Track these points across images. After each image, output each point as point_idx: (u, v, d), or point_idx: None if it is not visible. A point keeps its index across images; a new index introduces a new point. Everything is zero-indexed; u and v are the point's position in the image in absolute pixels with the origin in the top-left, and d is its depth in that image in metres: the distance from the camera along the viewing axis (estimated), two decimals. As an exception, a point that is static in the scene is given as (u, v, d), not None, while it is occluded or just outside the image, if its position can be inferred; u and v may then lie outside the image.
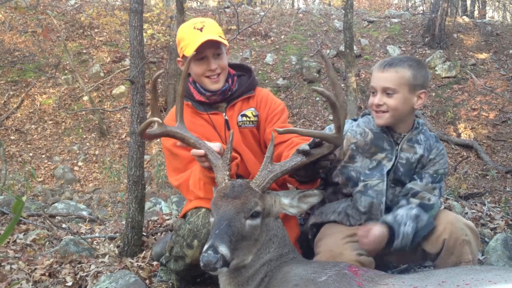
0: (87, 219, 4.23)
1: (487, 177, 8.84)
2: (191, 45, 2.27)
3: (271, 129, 2.34)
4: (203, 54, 2.32)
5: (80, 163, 9.87)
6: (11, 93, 11.18)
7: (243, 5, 15.24)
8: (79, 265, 2.78)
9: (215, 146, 1.97)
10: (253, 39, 13.54)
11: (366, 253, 2.04)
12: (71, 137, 10.54)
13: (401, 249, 2.05)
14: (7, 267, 2.75)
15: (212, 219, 1.79)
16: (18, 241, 3.27)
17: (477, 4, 20.93)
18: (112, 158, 9.83)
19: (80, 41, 12.64)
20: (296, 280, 1.71)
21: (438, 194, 2.16)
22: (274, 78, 12.01)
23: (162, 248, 2.74)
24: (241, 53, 12.73)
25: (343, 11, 10.37)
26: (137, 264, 2.81)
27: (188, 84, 2.46)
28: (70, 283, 2.57)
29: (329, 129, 2.08)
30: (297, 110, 11.11)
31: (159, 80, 11.37)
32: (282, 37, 13.73)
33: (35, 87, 11.41)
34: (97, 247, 3.16)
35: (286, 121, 2.51)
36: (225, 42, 2.34)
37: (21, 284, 2.50)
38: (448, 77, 12.12)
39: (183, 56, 2.36)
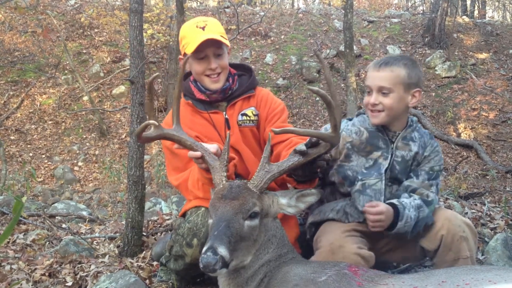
0: (87, 219, 4.24)
1: (487, 177, 8.84)
2: (192, 44, 2.28)
3: (271, 129, 2.34)
4: (204, 53, 2.32)
5: (80, 163, 9.87)
6: (11, 93, 11.18)
7: (243, 5, 15.25)
8: (79, 265, 2.78)
9: (212, 147, 1.97)
10: (253, 39, 13.54)
11: (366, 247, 2.05)
12: (71, 137, 10.54)
13: (402, 234, 2.09)
14: (7, 267, 2.75)
15: (210, 221, 1.79)
16: (18, 241, 3.27)
17: (477, 4, 20.93)
18: (112, 158, 9.83)
19: (80, 41, 12.64)
20: (296, 280, 1.71)
21: (435, 190, 2.19)
22: (274, 78, 12.01)
23: (162, 248, 2.74)
24: (241, 53, 12.73)
25: (343, 11, 10.38)
26: (137, 264, 2.81)
27: (189, 82, 2.47)
28: (70, 283, 2.57)
29: (325, 129, 2.10)
30: (297, 110, 11.11)
31: (159, 80, 11.46)
32: (282, 37, 13.73)
33: (35, 87, 11.41)
34: (97, 247, 3.16)
35: (286, 121, 2.51)
36: (227, 42, 2.34)
37: (21, 284, 2.50)
38: (448, 77, 12.13)
39: (184, 54, 2.37)
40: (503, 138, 10.49)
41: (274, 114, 2.45)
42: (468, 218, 3.44)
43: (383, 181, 2.18)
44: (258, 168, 1.86)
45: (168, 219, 3.72)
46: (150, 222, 3.68)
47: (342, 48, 11.72)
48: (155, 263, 2.82)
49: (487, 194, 5.86)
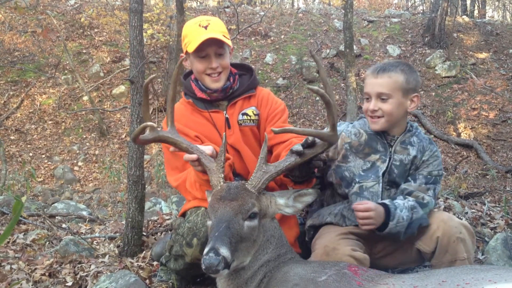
0: (87, 219, 4.24)
1: (487, 176, 8.84)
2: (194, 42, 2.28)
3: (270, 129, 2.34)
4: (206, 51, 2.32)
5: (80, 163, 9.87)
6: (11, 93, 11.18)
7: (243, 5, 15.26)
8: (79, 265, 2.78)
9: (207, 149, 1.96)
10: (253, 39, 13.54)
11: (361, 250, 2.05)
12: (71, 137, 10.54)
13: (395, 235, 2.07)
14: (7, 267, 2.75)
15: (209, 222, 1.78)
16: (18, 241, 3.27)
17: (477, 4, 20.94)
18: (112, 158, 9.83)
19: (80, 41, 12.64)
20: (295, 279, 1.71)
21: (432, 194, 2.18)
22: (274, 78, 12.01)
23: (162, 248, 2.74)
24: (241, 53, 12.73)
25: (343, 11, 10.37)
26: (137, 264, 2.81)
27: (190, 81, 2.47)
28: (70, 283, 2.57)
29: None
30: (297, 110, 11.11)
31: (159, 80, 11.44)
32: (282, 37, 13.73)
33: (35, 87, 11.41)
34: (97, 247, 3.16)
35: (287, 121, 2.51)
36: (229, 42, 2.34)
37: (21, 284, 2.50)
38: (448, 77, 12.13)
39: (186, 52, 2.37)
40: (503, 137, 10.49)
41: (275, 114, 2.45)
42: (468, 217, 3.45)
43: (381, 184, 2.20)
44: (256, 169, 1.86)
45: (168, 219, 3.73)
46: (150, 222, 3.68)
47: (342, 48, 11.72)
48: (155, 263, 2.82)
49: (487, 193, 5.85)
